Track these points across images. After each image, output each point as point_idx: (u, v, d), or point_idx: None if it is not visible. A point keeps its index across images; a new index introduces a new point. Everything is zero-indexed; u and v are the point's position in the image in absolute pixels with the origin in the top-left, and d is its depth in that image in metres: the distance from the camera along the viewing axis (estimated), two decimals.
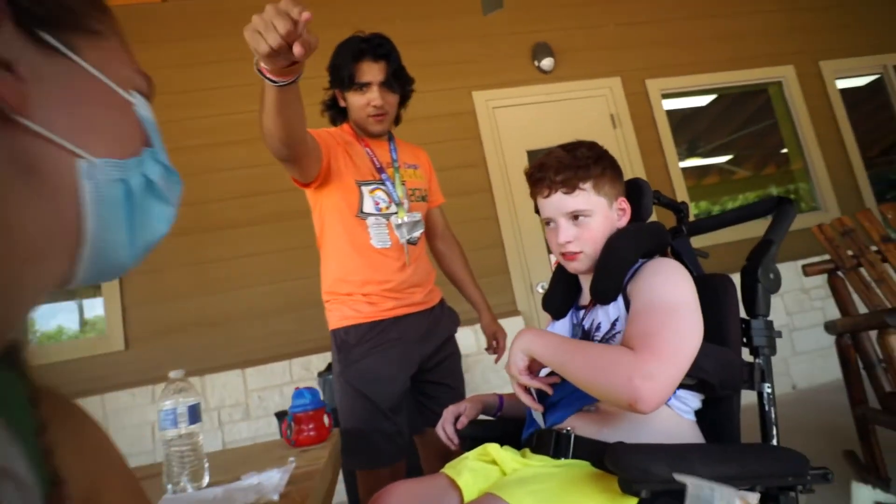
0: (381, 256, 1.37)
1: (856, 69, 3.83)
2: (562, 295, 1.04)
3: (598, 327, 0.92)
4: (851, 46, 3.81)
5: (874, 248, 1.86)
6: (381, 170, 1.42)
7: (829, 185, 3.59)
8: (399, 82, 1.44)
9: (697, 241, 1.10)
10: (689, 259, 1.06)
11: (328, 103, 1.50)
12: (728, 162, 6.32)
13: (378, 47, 1.41)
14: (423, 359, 1.40)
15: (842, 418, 2.38)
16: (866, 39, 3.84)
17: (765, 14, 3.77)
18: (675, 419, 0.82)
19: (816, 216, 3.42)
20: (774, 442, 0.80)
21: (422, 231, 1.45)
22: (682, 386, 0.80)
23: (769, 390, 0.84)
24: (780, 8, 3.80)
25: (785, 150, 4.15)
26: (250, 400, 2.73)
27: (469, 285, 1.67)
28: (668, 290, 0.80)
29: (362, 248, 1.36)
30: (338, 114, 1.50)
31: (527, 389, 0.88)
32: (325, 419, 1.11)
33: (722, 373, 0.78)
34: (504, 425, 1.03)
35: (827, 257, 1.95)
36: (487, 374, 2.94)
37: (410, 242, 1.41)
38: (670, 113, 3.54)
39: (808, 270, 1.90)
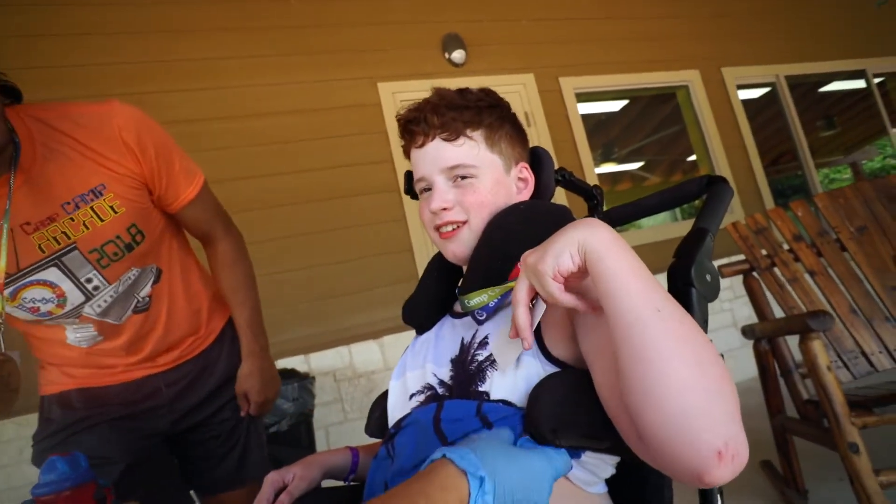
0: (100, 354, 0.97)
1: (753, 77, 3.99)
2: (434, 295, 0.76)
3: (482, 343, 0.63)
4: (749, 55, 3.96)
5: (786, 247, 1.78)
6: None
7: (734, 188, 3.67)
8: None
9: None
10: None
11: None
12: (640, 168, 6.53)
13: None
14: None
15: (755, 422, 2.33)
16: (761, 49, 4.01)
17: (673, 19, 3.82)
18: (577, 497, 0.55)
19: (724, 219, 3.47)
20: None
21: (150, 285, 0.98)
22: (587, 449, 0.54)
23: None
24: (687, 14, 3.87)
25: (692, 158, 4.25)
26: None
27: (233, 309, 1.09)
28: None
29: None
30: None
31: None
32: (100, 498, 0.75)
33: None
34: (357, 496, 0.72)
35: (740, 258, 1.85)
36: None
37: (138, 311, 0.96)
38: (585, 118, 3.46)
39: (724, 271, 1.79)
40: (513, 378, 0.58)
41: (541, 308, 0.56)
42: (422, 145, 0.71)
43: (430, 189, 0.72)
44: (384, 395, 0.76)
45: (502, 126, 0.73)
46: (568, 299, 0.50)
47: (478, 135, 0.70)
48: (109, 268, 0.89)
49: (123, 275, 0.92)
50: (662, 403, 0.41)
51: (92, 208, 0.85)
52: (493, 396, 0.58)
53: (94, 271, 0.89)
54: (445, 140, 0.70)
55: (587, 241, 0.48)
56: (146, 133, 0.88)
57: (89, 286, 0.89)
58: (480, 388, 0.59)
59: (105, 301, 0.91)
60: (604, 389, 0.51)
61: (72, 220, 0.84)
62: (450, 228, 0.70)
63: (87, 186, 0.84)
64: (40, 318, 0.89)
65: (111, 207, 0.87)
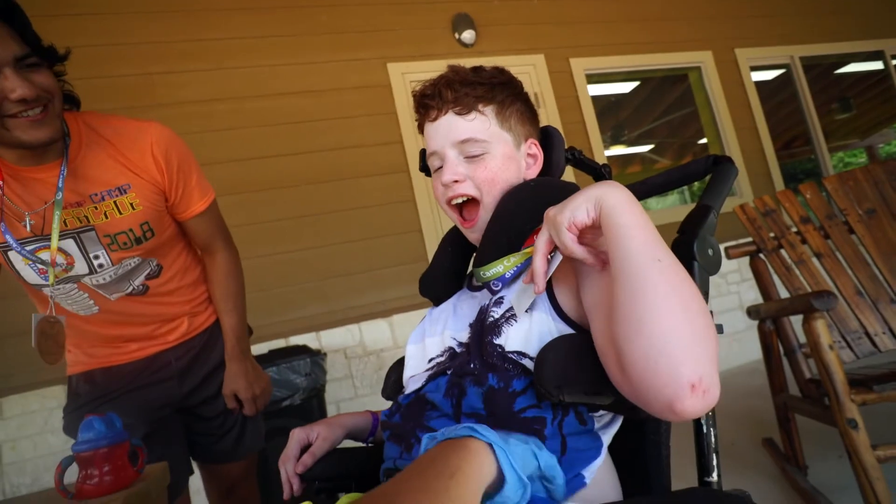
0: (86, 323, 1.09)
1: (767, 58, 3.92)
2: (449, 269, 0.79)
3: (496, 301, 0.67)
4: (763, 36, 3.89)
5: (794, 229, 1.79)
6: None
7: (744, 171, 3.64)
8: (42, 50, 0.87)
9: None
10: None
11: None
12: (650, 151, 6.47)
13: None
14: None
15: (759, 402, 2.37)
16: (776, 30, 3.94)
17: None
18: None
19: (731, 202, 3.45)
20: (715, 477, 0.60)
21: (144, 276, 1.08)
22: (592, 407, 0.58)
23: None
24: None
25: (702, 141, 4.21)
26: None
27: (221, 315, 1.20)
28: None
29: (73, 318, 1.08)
30: None
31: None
32: (134, 457, 0.80)
33: None
34: (375, 458, 0.76)
35: (747, 239, 1.87)
36: None
37: (136, 293, 1.09)
38: (594, 99, 3.44)
39: (731, 253, 1.80)
40: (526, 331, 0.61)
41: (557, 260, 0.59)
42: (435, 119, 0.73)
43: (440, 160, 0.74)
44: (399, 362, 0.80)
45: (514, 103, 0.74)
46: (578, 250, 0.55)
47: (489, 110, 0.72)
48: (116, 253, 1.02)
49: (125, 260, 1.04)
50: (650, 331, 0.46)
51: (115, 202, 0.99)
52: (508, 349, 0.61)
53: (103, 251, 1.01)
54: (458, 114, 0.71)
55: (604, 198, 0.53)
56: (173, 150, 1.03)
57: (95, 262, 1.02)
58: (496, 341, 0.63)
59: (104, 279, 1.04)
60: (598, 335, 0.55)
61: (95, 208, 0.98)
62: (461, 201, 0.73)
63: (115, 184, 0.99)
64: (44, 282, 0.99)
65: (131, 204, 1.00)
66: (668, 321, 0.46)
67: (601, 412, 0.60)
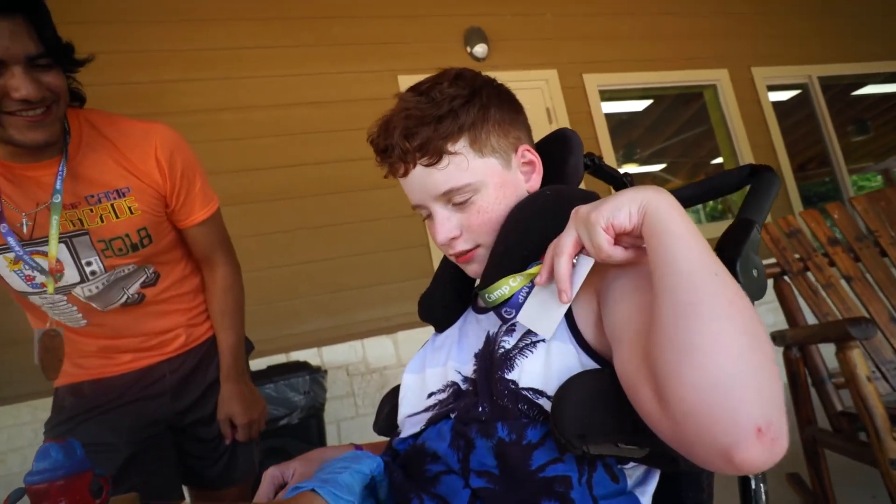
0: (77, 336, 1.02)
1: (784, 77, 3.86)
2: (450, 290, 0.70)
3: (508, 329, 0.58)
4: (780, 55, 3.84)
5: (821, 251, 1.70)
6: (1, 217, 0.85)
7: None
8: (57, 51, 0.81)
9: None
10: None
11: None
12: (662, 170, 6.40)
13: None
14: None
15: None
16: (793, 49, 3.88)
17: (702, 16, 3.72)
18: None
19: None
20: None
21: (139, 284, 1.01)
22: (626, 460, 0.49)
23: None
24: (716, 11, 3.76)
25: (717, 161, 4.14)
26: None
27: (218, 332, 1.12)
28: None
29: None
30: None
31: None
32: (97, 489, 0.72)
33: None
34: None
35: (770, 261, 1.77)
36: None
37: (132, 302, 1.01)
38: (607, 117, 3.39)
39: None
40: (543, 364, 0.53)
41: (584, 266, 0.50)
42: (404, 174, 0.63)
43: (426, 212, 0.65)
44: (394, 392, 0.72)
45: (486, 118, 0.62)
46: (617, 252, 0.47)
47: (461, 145, 0.60)
48: (111, 259, 0.95)
49: (119, 267, 0.97)
50: (704, 362, 0.37)
51: (112, 205, 0.93)
52: (522, 384, 0.53)
53: (96, 257, 0.94)
54: (428, 166, 0.60)
55: (650, 202, 0.46)
56: (178, 154, 0.97)
57: (87, 269, 0.94)
58: (507, 376, 0.54)
59: (96, 287, 0.96)
60: (626, 363, 0.45)
61: (91, 210, 0.91)
62: (462, 253, 0.64)
63: (113, 186, 0.92)
64: (31, 290, 0.93)
65: (129, 208, 0.94)
66: (730, 347, 0.37)
67: (632, 464, 0.51)
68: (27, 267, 0.89)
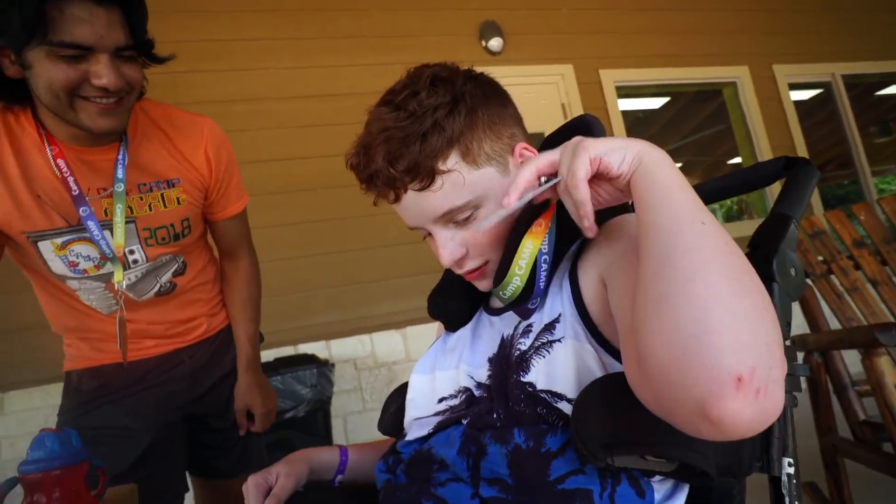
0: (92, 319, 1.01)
1: (806, 75, 3.76)
2: (461, 286, 0.65)
3: (525, 331, 0.54)
4: (802, 53, 3.74)
5: (846, 254, 1.64)
6: (79, 200, 0.85)
7: None
8: (143, 45, 0.83)
9: None
10: None
11: None
12: (679, 168, 6.31)
13: None
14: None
15: (799, 440, 2.19)
16: (815, 46, 3.78)
17: (722, 11, 3.63)
18: None
19: None
20: None
21: (171, 273, 1.02)
22: (652, 473, 0.45)
23: (791, 470, 0.49)
24: (737, 6, 3.67)
25: (734, 160, 4.06)
26: None
27: (238, 323, 1.14)
28: None
29: (74, 305, 1.00)
30: None
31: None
32: (93, 480, 0.70)
33: (723, 451, 0.42)
34: (344, 500, 0.64)
35: None
36: None
37: (164, 291, 1.02)
38: (623, 114, 3.33)
39: None
40: (563, 365, 0.49)
41: (547, 186, 0.47)
42: (396, 200, 0.56)
43: (424, 232, 0.60)
44: (400, 390, 0.68)
45: (475, 125, 0.55)
46: (583, 188, 0.43)
47: (454, 160, 0.54)
48: (153, 248, 0.97)
49: (160, 257, 0.99)
50: (675, 312, 0.34)
51: (162, 195, 0.95)
52: (540, 387, 0.49)
53: (139, 246, 0.95)
54: (421, 191, 0.54)
55: (644, 155, 0.43)
56: (223, 148, 1.02)
57: (130, 258, 0.95)
58: (524, 378, 0.50)
59: (136, 276, 0.97)
60: (620, 333, 0.43)
61: (140, 198, 0.93)
62: (471, 271, 0.59)
63: (165, 177, 0.95)
64: (71, 275, 0.92)
65: (177, 199, 0.97)
66: (704, 297, 0.34)
67: (659, 477, 0.47)
68: (77, 256, 0.90)
